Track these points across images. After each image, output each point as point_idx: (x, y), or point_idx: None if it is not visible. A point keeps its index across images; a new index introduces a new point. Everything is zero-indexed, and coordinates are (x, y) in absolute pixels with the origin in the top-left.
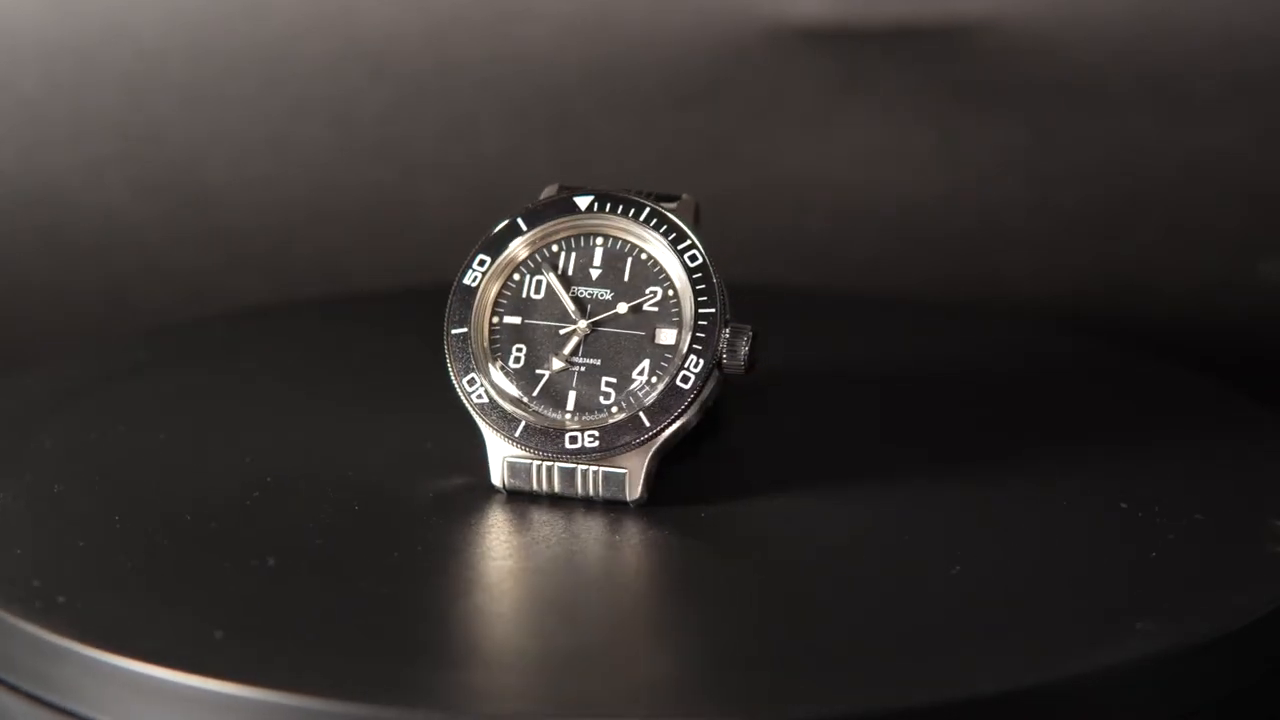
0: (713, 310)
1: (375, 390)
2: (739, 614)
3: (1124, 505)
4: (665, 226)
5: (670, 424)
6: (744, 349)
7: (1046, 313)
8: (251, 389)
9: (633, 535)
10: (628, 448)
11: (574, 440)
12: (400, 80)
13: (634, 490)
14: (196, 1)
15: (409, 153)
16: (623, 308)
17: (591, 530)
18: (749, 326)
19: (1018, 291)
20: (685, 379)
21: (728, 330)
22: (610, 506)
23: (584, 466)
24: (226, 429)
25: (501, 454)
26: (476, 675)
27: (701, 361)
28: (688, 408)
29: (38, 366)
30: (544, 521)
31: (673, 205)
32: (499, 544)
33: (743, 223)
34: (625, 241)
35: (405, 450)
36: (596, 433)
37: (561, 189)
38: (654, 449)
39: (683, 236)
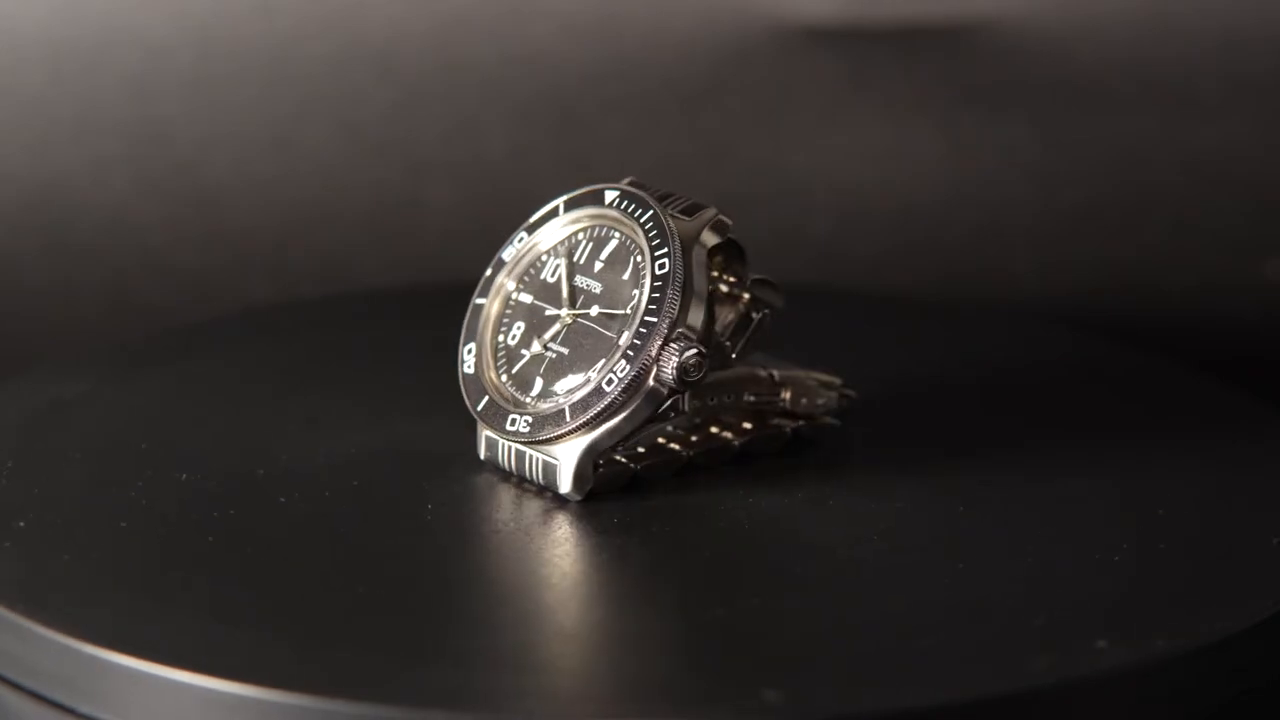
0: (654, 320)
1: (379, 388)
2: (742, 614)
3: (1126, 506)
4: (655, 232)
5: (591, 423)
6: (672, 365)
7: (1048, 312)
8: (256, 388)
9: (630, 532)
10: (552, 439)
11: (513, 423)
12: (405, 81)
13: (564, 483)
14: (202, 2)
15: (414, 153)
16: (594, 310)
17: (598, 528)
18: (697, 347)
19: (1021, 291)
20: (610, 382)
21: (663, 343)
22: (621, 507)
23: (531, 451)
24: (231, 428)
25: (484, 427)
26: (479, 676)
27: (628, 368)
28: (608, 410)
29: (40, 366)
30: (543, 518)
31: (687, 219)
32: (499, 542)
33: (747, 222)
34: (634, 242)
35: (407, 449)
36: (530, 419)
37: (631, 183)
38: (584, 446)
39: (663, 244)
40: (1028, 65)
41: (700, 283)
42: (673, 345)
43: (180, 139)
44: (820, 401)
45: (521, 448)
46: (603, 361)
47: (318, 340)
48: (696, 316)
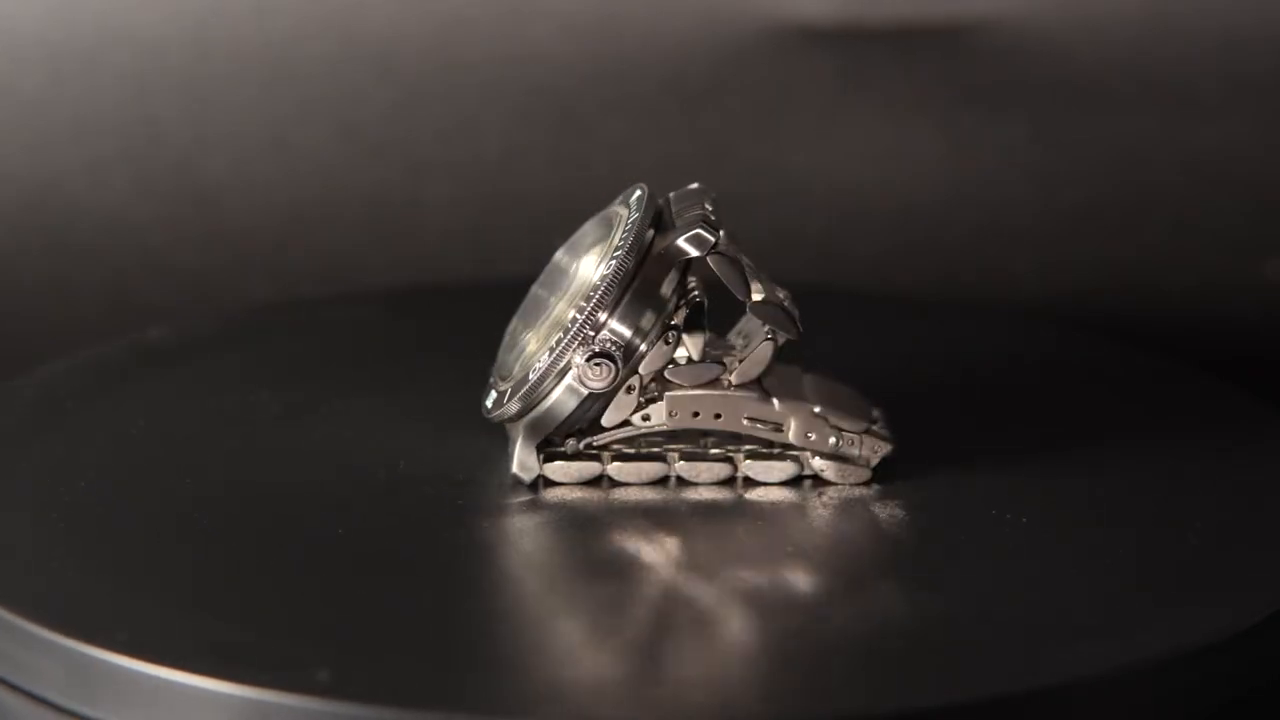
0: (579, 317)
1: (379, 388)
2: (745, 616)
3: (1125, 506)
4: (624, 236)
5: (520, 409)
6: (578, 365)
7: (1048, 312)
8: (259, 388)
9: (622, 532)
10: (500, 416)
11: (488, 398)
12: (404, 81)
13: (512, 462)
14: (200, 2)
15: (413, 153)
16: (560, 306)
17: (532, 519)
18: (614, 355)
19: (1023, 290)
20: (536, 370)
21: (579, 343)
22: (583, 500)
23: (509, 431)
24: (232, 429)
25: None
26: (477, 677)
27: (547, 360)
28: (531, 399)
29: (40, 366)
30: (540, 515)
31: (671, 229)
32: (501, 542)
33: (747, 222)
34: None
35: (406, 450)
36: (494, 395)
37: (687, 191)
38: (521, 430)
39: (618, 249)
40: (1027, 65)
41: (647, 290)
42: (584, 346)
43: (179, 139)
44: (832, 440)
45: (508, 427)
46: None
47: (315, 340)
48: (626, 322)
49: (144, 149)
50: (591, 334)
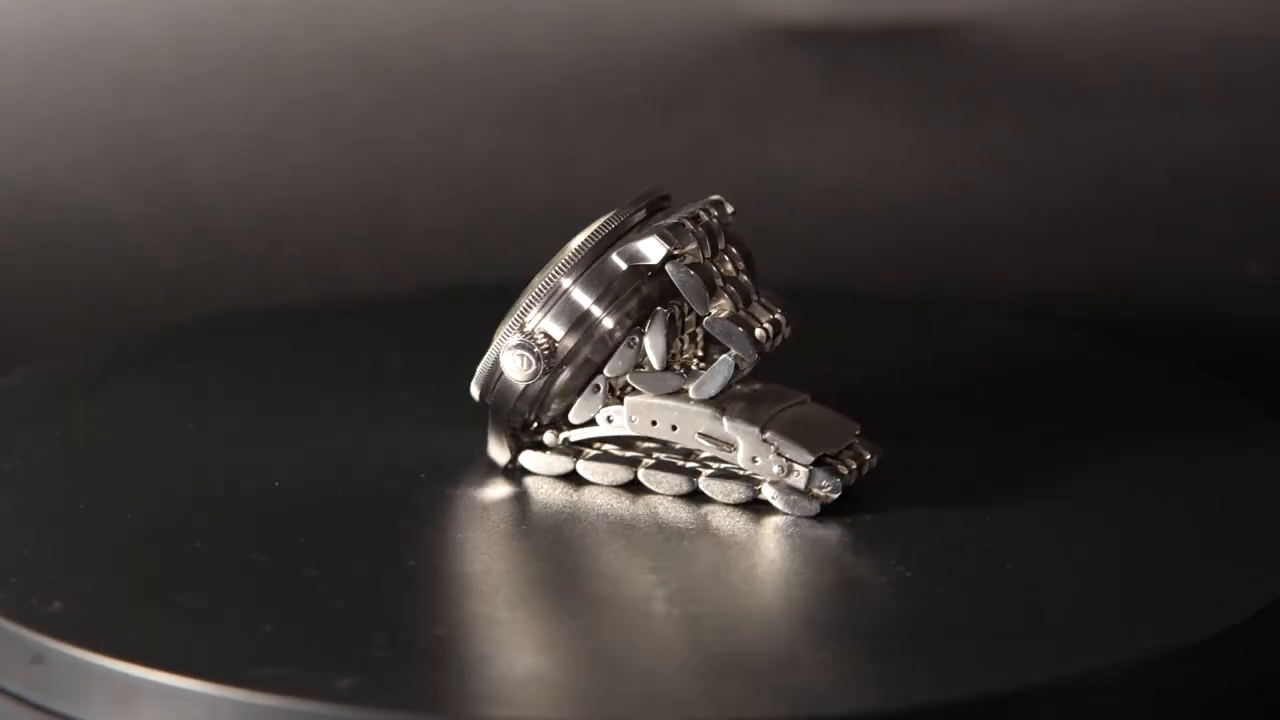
0: (520, 307)
1: (368, 390)
2: (744, 617)
3: (1123, 506)
4: (597, 234)
5: (479, 389)
6: (502, 357)
7: (1038, 312)
8: (250, 389)
9: (616, 530)
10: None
11: None
12: (389, 80)
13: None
14: (185, 2)
15: (398, 152)
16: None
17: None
18: (535, 348)
19: (1009, 290)
20: (497, 356)
21: (511, 336)
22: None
23: None
24: (230, 430)
25: None
26: (469, 679)
27: (491, 348)
28: (486, 383)
29: (28, 367)
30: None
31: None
32: (487, 545)
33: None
34: None
35: (403, 448)
36: None
37: (714, 199)
38: (489, 413)
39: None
40: (1014, 65)
41: (585, 292)
42: (510, 339)
43: (164, 139)
44: (776, 469)
45: None
46: None
47: (301, 340)
48: (557, 321)
49: (129, 149)
50: (520, 333)
